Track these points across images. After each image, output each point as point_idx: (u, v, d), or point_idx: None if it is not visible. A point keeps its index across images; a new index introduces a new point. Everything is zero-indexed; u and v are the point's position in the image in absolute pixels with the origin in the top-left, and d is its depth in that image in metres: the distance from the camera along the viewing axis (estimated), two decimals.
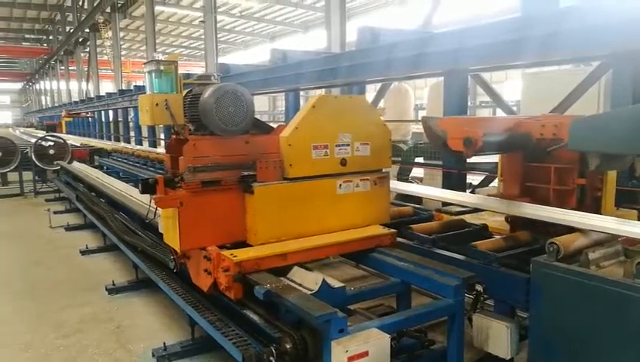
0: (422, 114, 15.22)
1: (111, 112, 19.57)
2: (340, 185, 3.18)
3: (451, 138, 3.04)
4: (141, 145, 14.93)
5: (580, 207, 2.96)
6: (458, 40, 4.12)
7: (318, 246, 2.94)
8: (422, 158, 7.45)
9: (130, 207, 5.17)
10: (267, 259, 2.73)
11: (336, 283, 2.51)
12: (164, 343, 3.43)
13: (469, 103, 6.72)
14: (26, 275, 5.34)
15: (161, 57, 3.31)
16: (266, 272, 2.65)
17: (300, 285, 2.55)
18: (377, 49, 5.26)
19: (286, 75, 6.88)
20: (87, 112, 24.64)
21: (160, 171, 7.37)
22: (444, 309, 2.49)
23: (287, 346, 2.24)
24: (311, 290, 2.42)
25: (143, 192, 3.04)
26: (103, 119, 21.36)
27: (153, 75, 3.36)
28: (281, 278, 2.60)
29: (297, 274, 2.71)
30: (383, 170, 3.43)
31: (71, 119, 26.00)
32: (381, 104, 8.22)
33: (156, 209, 3.17)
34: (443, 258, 2.99)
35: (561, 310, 2.32)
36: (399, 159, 7.36)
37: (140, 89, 14.48)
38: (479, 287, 2.88)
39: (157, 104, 3.21)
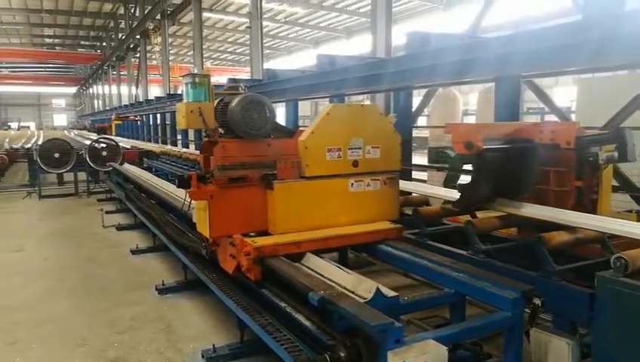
0: (470, 120, 14.89)
1: (159, 116, 20.19)
2: (352, 184, 3.57)
3: (455, 142, 3.36)
4: (187, 147, 15.33)
5: (577, 207, 3.11)
6: (513, 44, 4.00)
7: (329, 236, 3.34)
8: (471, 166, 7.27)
9: (179, 208, 5.26)
10: (283, 245, 3.14)
11: (389, 292, 2.47)
12: (214, 345, 3.48)
13: None
14: (80, 272, 5.55)
15: (196, 70, 3.79)
16: (282, 257, 3.04)
17: (322, 275, 2.78)
18: (427, 53, 5.17)
19: (332, 81, 6.88)
20: (135, 116, 25.55)
21: None
22: (501, 322, 2.40)
23: (342, 354, 2.21)
24: (364, 298, 2.39)
25: (179, 186, 3.52)
26: (151, 122, 22.04)
27: (189, 85, 3.78)
28: (297, 264, 3.00)
29: (310, 261, 3.08)
30: (393, 171, 3.75)
31: (120, 122, 27.04)
32: (427, 110, 8.12)
33: (190, 202, 3.61)
34: (497, 268, 2.91)
35: (629, 329, 2.19)
36: (446, 166, 7.24)
37: None
38: (537, 301, 2.77)
39: (192, 111, 3.62)
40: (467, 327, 2.39)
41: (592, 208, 3.19)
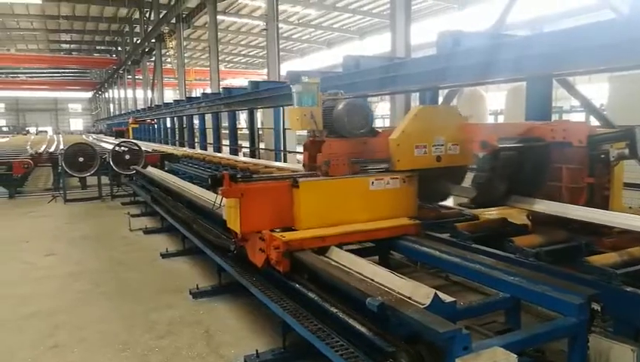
0: (498, 120, 14.71)
1: (176, 119, 20.33)
2: (373, 182, 3.83)
3: (471, 141, 3.79)
4: (205, 150, 15.41)
5: (590, 204, 3.23)
6: (558, 42, 3.92)
7: (351, 231, 3.59)
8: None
9: (207, 209, 5.26)
10: (309, 239, 3.40)
11: (447, 298, 2.41)
12: (257, 350, 3.44)
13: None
14: (112, 276, 5.56)
15: (304, 79, 4.43)
16: (309, 251, 3.30)
17: (352, 270, 2.96)
18: (458, 54, 5.11)
19: (358, 82, 6.82)
20: (152, 119, 25.78)
21: None
22: (566, 329, 2.33)
23: (403, 361, 2.17)
24: (422, 304, 2.34)
25: (212, 185, 3.75)
26: (169, 125, 22.20)
27: (300, 92, 4.24)
28: (323, 257, 3.27)
29: (334, 253, 3.35)
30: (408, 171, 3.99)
31: (137, 125, 27.32)
32: None
33: (222, 200, 3.91)
34: (552, 272, 2.83)
35: None
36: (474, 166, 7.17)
37: (208, 97, 14.95)
38: (596, 306, 2.70)
39: (305, 115, 4.18)
40: (533, 334, 2.32)
41: (604, 204, 3.29)
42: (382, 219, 3.79)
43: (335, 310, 2.77)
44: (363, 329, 2.48)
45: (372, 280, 2.75)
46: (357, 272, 2.86)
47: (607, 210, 3.20)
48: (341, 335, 2.71)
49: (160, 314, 4.38)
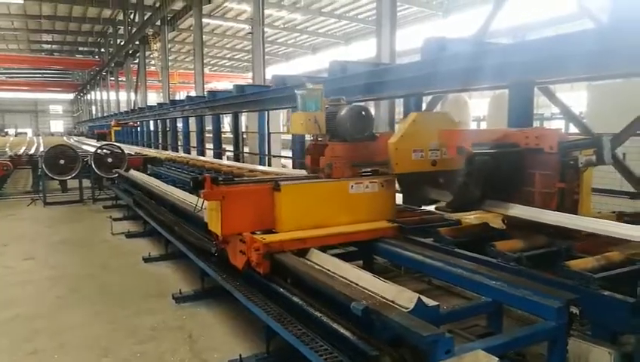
0: (481, 126, 14.91)
1: (159, 122, 20.17)
2: (352, 186, 3.97)
3: (448, 147, 3.92)
4: (189, 153, 15.32)
5: (561, 208, 3.34)
6: (541, 50, 4.01)
7: (331, 234, 3.71)
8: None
9: (189, 213, 5.23)
10: (290, 242, 3.47)
11: (430, 302, 2.44)
12: (240, 355, 3.42)
13: None
14: (94, 280, 5.49)
15: (309, 85, 4.52)
16: (289, 253, 3.37)
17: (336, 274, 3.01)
18: (444, 59, 5.18)
19: (344, 87, 6.86)
20: (134, 122, 25.52)
21: None
22: (546, 332, 2.38)
23: None
24: (406, 308, 2.36)
25: (194, 188, 3.82)
26: (152, 128, 21.99)
27: (305, 97, 4.37)
28: (303, 259, 3.35)
29: (314, 255, 3.43)
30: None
31: (120, 128, 26.99)
32: None
33: (203, 203, 3.92)
34: (532, 277, 2.88)
35: None
36: None
37: (193, 100, 14.88)
38: (574, 310, 2.75)
39: (309, 119, 4.28)
40: (515, 337, 2.36)
41: (573, 208, 3.40)
42: (361, 222, 3.91)
43: (319, 314, 2.77)
44: (347, 333, 2.49)
45: (356, 284, 2.77)
46: (340, 276, 2.88)
47: (576, 214, 3.33)
48: (325, 340, 2.72)
49: (142, 319, 4.34)
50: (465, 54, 5.00)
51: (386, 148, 4.06)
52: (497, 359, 2.05)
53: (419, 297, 2.38)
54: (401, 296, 2.46)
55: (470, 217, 4.30)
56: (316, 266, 3.25)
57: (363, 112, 4.32)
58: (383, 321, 2.24)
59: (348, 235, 3.78)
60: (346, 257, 3.81)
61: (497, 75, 4.63)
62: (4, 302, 4.80)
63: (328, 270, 3.13)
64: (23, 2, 28.36)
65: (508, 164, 3.56)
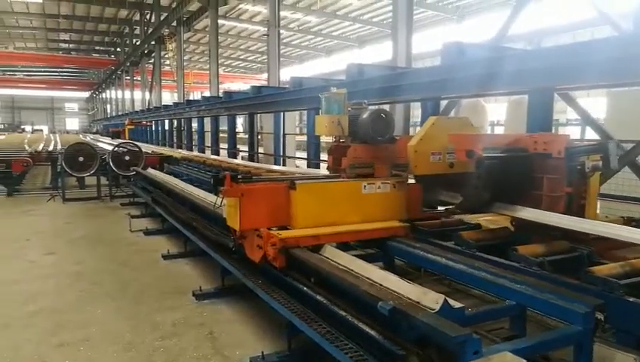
0: (499, 131, 14.87)
1: (175, 121, 20.34)
2: (365, 186, 4.07)
3: (458, 150, 3.94)
4: (203, 152, 15.44)
5: (567, 212, 3.41)
6: (563, 56, 4.03)
7: (344, 231, 3.84)
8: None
9: (208, 211, 5.30)
10: (304, 238, 3.61)
11: (456, 304, 2.47)
12: (262, 352, 3.48)
13: None
14: (115, 276, 5.58)
15: (332, 90, 4.69)
16: (304, 248, 3.52)
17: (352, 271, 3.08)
18: (464, 64, 5.20)
19: (361, 90, 6.90)
20: (147, 121, 25.79)
21: None
22: (573, 337, 2.40)
23: None
24: (432, 309, 2.39)
25: (214, 185, 3.95)
26: (167, 128, 22.18)
27: (329, 100, 4.55)
28: (317, 254, 3.47)
29: (327, 251, 3.56)
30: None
31: (134, 127, 27.28)
32: None
33: (222, 200, 4.02)
34: (556, 281, 2.90)
35: None
36: None
37: (209, 100, 15.01)
38: (599, 315, 2.77)
39: (333, 122, 4.46)
40: (541, 341, 2.38)
41: (580, 212, 3.48)
42: (373, 221, 4.02)
43: (344, 313, 2.81)
44: (373, 333, 2.53)
45: (380, 284, 2.81)
46: (364, 276, 2.91)
47: (583, 217, 3.41)
48: (349, 338, 2.76)
49: (164, 315, 4.41)
50: (485, 60, 5.03)
51: (405, 151, 4.19)
52: (525, 361, 2.07)
53: (445, 298, 2.41)
54: (426, 297, 2.49)
55: (480, 219, 4.37)
56: (329, 261, 3.36)
57: (384, 115, 4.46)
58: (410, 321, 2.28)
59: (359, 233, 3.92)
60: (366, 259, 3.86)
61: (517, 80, 4.65)
62: (29, 296, 4.91)
63: (346, 267, 3.17)
64: (42, 1, 28.80)
65: (516, 168, 3.66)
